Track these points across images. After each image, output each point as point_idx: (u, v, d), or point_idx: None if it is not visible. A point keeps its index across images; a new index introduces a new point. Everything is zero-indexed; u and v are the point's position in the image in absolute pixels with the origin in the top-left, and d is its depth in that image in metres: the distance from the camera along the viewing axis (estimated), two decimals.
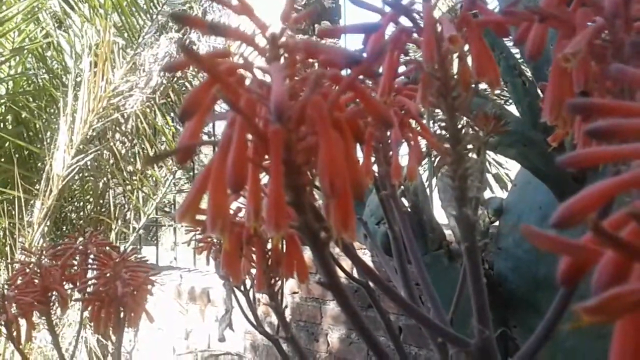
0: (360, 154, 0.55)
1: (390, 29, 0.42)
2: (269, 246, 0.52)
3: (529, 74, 1.11)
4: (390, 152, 0.55)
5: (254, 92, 0.27)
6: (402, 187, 1.10)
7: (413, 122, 0.55)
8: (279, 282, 0.54)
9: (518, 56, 1.25)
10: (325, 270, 0.29)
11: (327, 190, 0.25)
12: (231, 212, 0.47)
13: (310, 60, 0.30)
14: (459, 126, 0.41)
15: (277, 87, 0.24)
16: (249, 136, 0.27)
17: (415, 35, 0.40)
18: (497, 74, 0.39)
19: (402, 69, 0.46)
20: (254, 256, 0.53)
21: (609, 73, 0.19)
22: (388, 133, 0.56)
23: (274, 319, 1.74)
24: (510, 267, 1.16)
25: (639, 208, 0.18)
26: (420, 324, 0.42)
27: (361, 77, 0.31)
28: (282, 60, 0.29)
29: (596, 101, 0.19)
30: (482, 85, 0.42)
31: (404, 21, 0.42)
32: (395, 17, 0.39)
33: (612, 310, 0.15)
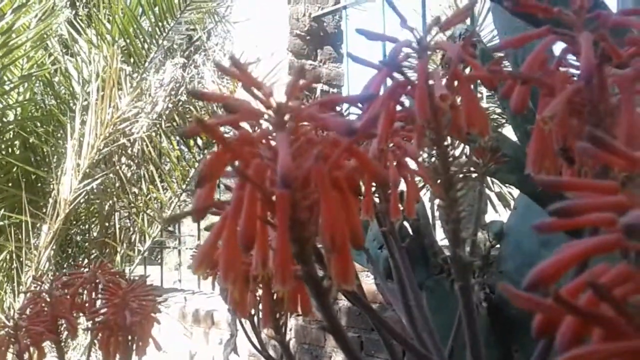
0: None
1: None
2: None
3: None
4: (389, 191, 0.58)
5: (263, 157, 0.30)
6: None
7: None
8: (284, 317, 0.57)
9: None
10: (326, 316, 0.32)
11: (328, 246, 0.28)
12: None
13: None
14: (451, 172, 0.43)
15: (283, 156, 0.27)
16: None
17: (410, 87, 0.44)
18: (486, 123, 0.42)
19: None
20: (259, 289, 0.56)
21: (577, 147, 0.22)
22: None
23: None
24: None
25: (595, 277, 0.20)
26: (411, 353, 0.45)
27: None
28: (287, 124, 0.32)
29: (562, 180, 0.22)
30: None
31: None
32: (389, 74, 0.42)
33: None
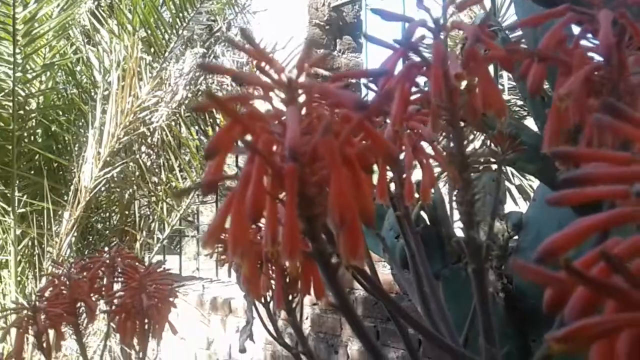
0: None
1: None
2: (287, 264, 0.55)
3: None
4: (404, 175, 0.57)
5: (272, 131, 0.30)
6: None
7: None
8: (297, 298, 0.57)
9: None
10: (336, 293, 0.32)
11: (336, 222, 0.28)
12: (251, 232, 0.49)
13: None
14: (467, 152, 0.43)
15: (292, 130, 0.27)
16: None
17: (425, 68, 0.43)
18: (502, 105, 0.41)
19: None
20: (272, 273, 0.56)
21: (593, 120, 0.22)
22: (401, 156, 0.58)
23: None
24: (530, 282, 1.17)
25: (608, 248, 0.20)
26: (428, 340, 0.44)
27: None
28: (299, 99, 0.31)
29: (575, 150, 0.22)
30: None
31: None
32: (405, 54, 0.42)
33: (577, 339, 0.17)
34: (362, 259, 0.29)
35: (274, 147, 0.30)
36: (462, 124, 0.44)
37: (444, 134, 0.46)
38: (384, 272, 1.81)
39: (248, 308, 1.32)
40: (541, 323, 1.11)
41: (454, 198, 0.47)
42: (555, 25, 0.35)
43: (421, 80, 0.48)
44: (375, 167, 0.61)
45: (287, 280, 0.54)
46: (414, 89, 0.47)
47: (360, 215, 0.30)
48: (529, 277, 0.22)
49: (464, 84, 0.44)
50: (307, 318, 2.07)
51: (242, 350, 1.33)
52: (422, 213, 1.17)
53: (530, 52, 0.34)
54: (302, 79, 0.31)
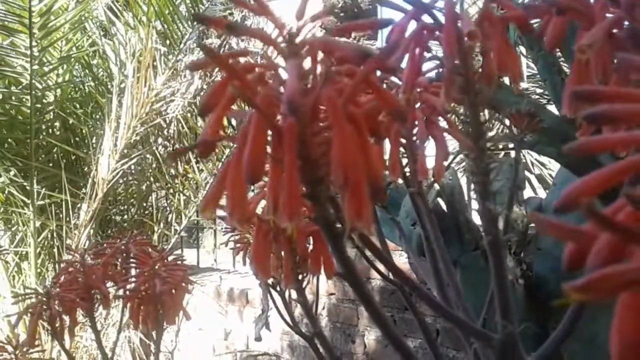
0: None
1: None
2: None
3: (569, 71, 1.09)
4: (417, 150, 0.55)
5: (272, 89, 0.28)
6: (439, 187, 1.09)
7: (441, 120, 0.55)
8: (307, 278, 0.55)
9: (558, 54, 1.23)
10: (342, 261, 0.30)
11: (339, 182, 0.26)
12: (259, 209, 0.48)
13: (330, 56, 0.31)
14: (482, 121, 0.41)
15: (291, 82, 0.25)
16: (269, 132, 0.28)
17: (437, 32, 0.41)
18: (519, 68, 0.39)
19: (430, 65, 0.47)
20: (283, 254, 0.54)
21: (620, 63, 0.20)
22: (415, 131, 0.56)
23: None
24: (550, 268, 1.14)
25: (636, 192, 0.18)
26: (444, 317, 0.42)
27: (380, 72, 0.32)
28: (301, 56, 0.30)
29: (597, 88, 0.20)
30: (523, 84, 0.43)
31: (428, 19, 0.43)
32: (417, 15, 0.40)
33: (599, 289, 0.15)
34: (368, 222, 0.28)
35: (275, 107, 0.28)
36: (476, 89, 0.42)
37: (457, 104, 0.44)
38: (401, 260, 1.79)
39: (264, 297, 1.31)
40: (561, 310, 1.08)
41: (470, 176, 0.45)
42: None
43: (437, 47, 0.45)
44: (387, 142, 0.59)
45: (297, 258, 0.53)
46: (428, 57, 0.45)
47: (367, 178, 0.28)
48: (547, 232, 0.20)
49: (478, 47, 0.41)
50: (323, 308, 2.06)
51: (258, 338, 1.32)
52: (440, 200, 1.15)
53: (550, 4, 0.32)
54: (305, 33, 0.30)
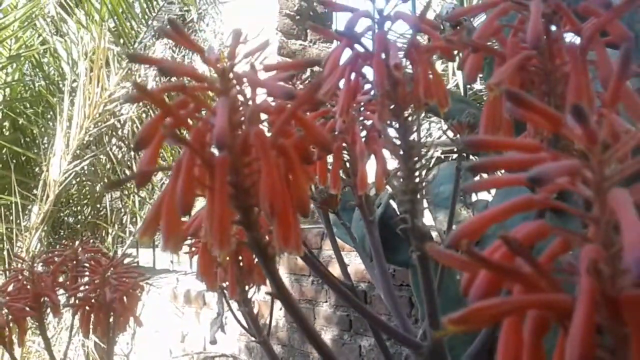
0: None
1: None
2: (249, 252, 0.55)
3: None
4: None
5: (205, 122, 0.30)
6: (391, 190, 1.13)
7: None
8: (252, 288, 0.57)
9: None
10: (274, 282, 0.32)
11: (266, 211, 0.28)
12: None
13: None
14: (412, 144, 0.43)
15: (220, 120, 0.27)
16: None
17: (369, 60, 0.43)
18: (444, 94, 0.42)
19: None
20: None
21: (505, 110, 0.22)
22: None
23: (266, 320, 1.77)
24: None
25: (510, 235, 0.21)
26: (376, 325, 0.45)
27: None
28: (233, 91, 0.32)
29: (485, 138, 0.22)
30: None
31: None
32: (350, 44, 0.42)
33: (473, 321, 0.18)
34: (296, 247, 0.30)
35: (206, 137, 0.30)
36: (407, 113, 0.45)
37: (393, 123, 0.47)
38: (356, 262, 1.82)
39: (219, 300, 1.32)
40: None
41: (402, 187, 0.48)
42: (490, 15, 0.36)
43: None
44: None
45: (241, 270, 0.54)
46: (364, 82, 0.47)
47: (295, 205, 0.31)
48: (443, 261, 0.23)
49: (410, 74, 0.44)
50: (281, 309, 2.08)
51: (213, 341, 1.33)
52: (393, 203, 1.18)
53: (465, 43, 0.35)
54: (239, 68, 0.32)
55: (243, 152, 0.29)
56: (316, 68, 0.48)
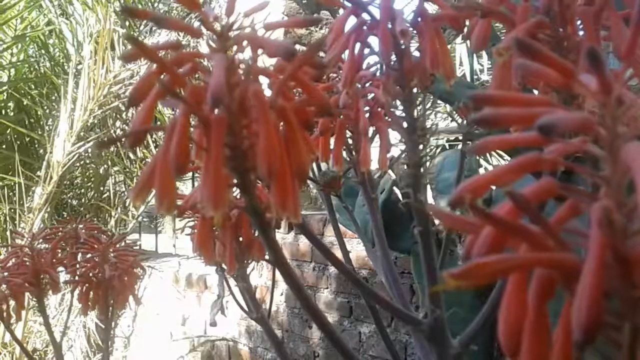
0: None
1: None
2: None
3: None
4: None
5: (202, 81, 0.29)
6: (395, 176, 1.11)
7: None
8: (252, 264, 0.56)
9: None
10: (271, 249, 0.31)
11: (264, 173, 0.27)
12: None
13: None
14: (416, 116, 0.42)
15: (216, 76, 0.26)
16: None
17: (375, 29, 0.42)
18: (450, 65, 0.41)
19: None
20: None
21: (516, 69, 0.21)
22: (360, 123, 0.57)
23: (267, 304, 1.77)
24: None
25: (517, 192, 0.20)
26: (376, 303, 0.44)
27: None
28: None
29: (491, 93, 0.21)
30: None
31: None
32: (355, 12, 0.41)
33: (473, 277, 0.17)
34: (293, 212, 0.29)
35: (202, 96, 0.29)
36: (413, 87, 0.43)
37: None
38: (358, 248, 1.82)
39: (219, 282, 1.32)
40: None
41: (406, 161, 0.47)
42: None
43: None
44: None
45: (240, 246, 0.54)
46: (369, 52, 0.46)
47: (294, 169, 0.30)
48: (446, 223, 0.22)
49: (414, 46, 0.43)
50: (282, 294, 2.08)
51: (213, 324, 1.33)
52: (396, 190, 1.17)
53: (474, 7, 0.34)
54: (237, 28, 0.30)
55: (241, 113, 0.28)
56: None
